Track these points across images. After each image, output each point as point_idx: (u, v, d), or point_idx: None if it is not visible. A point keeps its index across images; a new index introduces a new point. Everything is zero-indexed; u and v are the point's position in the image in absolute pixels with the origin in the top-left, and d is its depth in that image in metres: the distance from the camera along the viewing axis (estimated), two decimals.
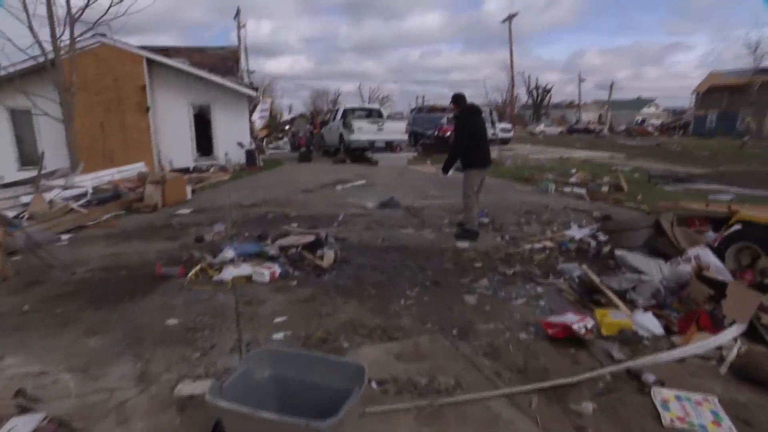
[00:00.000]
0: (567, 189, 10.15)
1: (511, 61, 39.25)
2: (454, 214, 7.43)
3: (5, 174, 11.49)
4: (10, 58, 11.13)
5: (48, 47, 10.54)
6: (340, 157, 17.10)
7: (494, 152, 6.42)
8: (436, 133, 20.67)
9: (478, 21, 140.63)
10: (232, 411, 1.80)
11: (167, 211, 8.08)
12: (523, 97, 62.55)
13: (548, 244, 5.70)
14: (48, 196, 7.83)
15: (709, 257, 3.92)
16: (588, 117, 60.23)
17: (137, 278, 4.68)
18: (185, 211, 8.09)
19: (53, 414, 2.48)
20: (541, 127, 47.83)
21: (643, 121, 54.11)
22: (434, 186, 10.85)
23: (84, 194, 8.34)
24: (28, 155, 12.87)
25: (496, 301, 4.05)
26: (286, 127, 29.70)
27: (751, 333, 3.22)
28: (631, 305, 3.65)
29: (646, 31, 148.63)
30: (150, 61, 13.52)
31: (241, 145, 15.00)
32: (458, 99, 6.12)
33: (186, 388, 2.71)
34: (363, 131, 16.52)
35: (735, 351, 2.94)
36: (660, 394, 2.58)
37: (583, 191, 9.75)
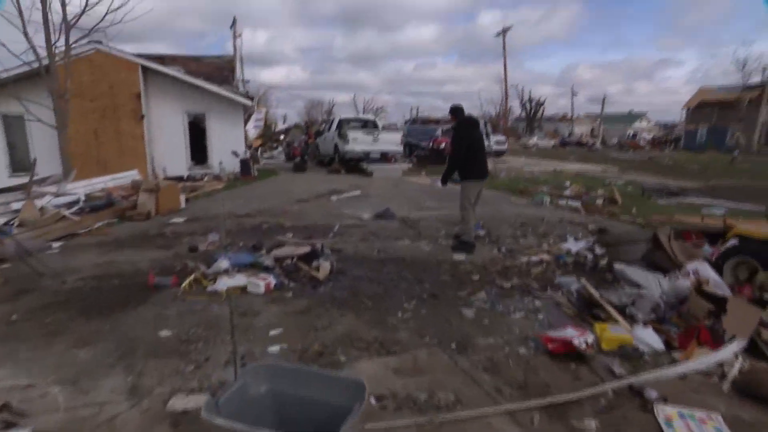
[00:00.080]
0: (562, 202, 10.17)
1: (505, 74, 39.67)
2: (450, 225, 7.40)
3: None
4: (3, 64, 11.06)
5: (42, 53, 10.46)
6: (334, 167, 17.08)
7: (489, 164, 6.42)
8: (430, 144, 20.73)
9: (473, 34, 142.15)
10: (229, 429, 1.74)
11: (161, 220, 8.00)
12: (516, 109, 63.17)
13: (545, 257, 5.67)
14: (39, 203, 7.72)
15: (708, 272, 3.91)
16: (580, 130, 60.83)
17: (130, 288, 4.60)
18: (179, 219, 8.01)
19: (40, 429, 2.40)
20: (534, 139, 48.17)
21: (635, 134, 54.68)
22: (429, 197, 10.82)
23: (76, 201, 8.24)
24: (20, 161, 12.73)
25: (495, 315, 4.01)
26: (281, 137, 29.69)
27: (752, 348, 3.20)
28: (631, 320, 3.62)
29: (637, 46, 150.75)
30: (145, 69, 13.48)
31: (235, 154, 14.94)
32: (456, 111, 6.12)
33: (179, 403, 2.64)
34: (358, 142, 16.52)
35: (737, 367, 2.91)
36: (663, 411, 2.54)
37: (578, 204, 9.77)
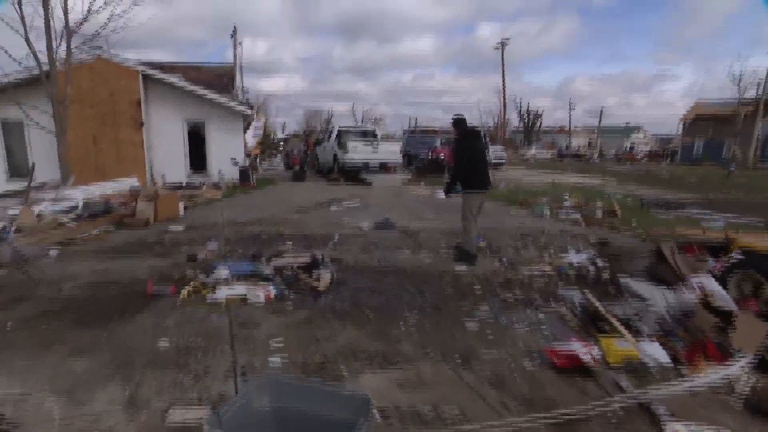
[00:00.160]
0: (562, 213, 10.16)
1: (504, 86, 39.92)
2: (450, 236, 7.36)
3: None
4: (3, 69, 11.02)
5: (43, 59, 10.45)
6: (333, 176, 17.07)
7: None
8: (429, 155, 20.76)
9: (472, 46, 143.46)
10: None
11: (159, 228, 7.93)
12: (514, 121, 63.46)
13: (547, 269, 5.64)
14: (37, 208, 7.66)
15: (713, 285, 3.88)
16: (577, 142, 61.13)
17: (127, 296, 4.53)
18: (177, 227, 7.94)
19: None
20: (532, 151, 48.37)
21: (632, 147, 54.99)
22: (429, 208, 10.80)
23: (74, 208, 8.17)
24: (18, 167, 12.66)
25: (498, 327, 3.96)
26: (281, 146, 29.70)
27: (760, 364, 3.16)
28: (636, 333, 3.58)
29: (634, 60, 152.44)
30: (146, 76, 13.48)
31: (235, 162, 14.92)
32: (459, 122, 6.10)
33: (178, 415, 2.57)
34: (358, 152, 16.53)
35: (747, 383, 2.87)
36: (672, 427, 2.49)
37: (578, 216, 9.75)
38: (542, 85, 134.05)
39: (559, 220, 9.65)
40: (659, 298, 3.78)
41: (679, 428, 2.48)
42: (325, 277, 4.99)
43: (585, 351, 3.13)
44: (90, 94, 12.48)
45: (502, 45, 38.68)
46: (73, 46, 10.84)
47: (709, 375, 2.94)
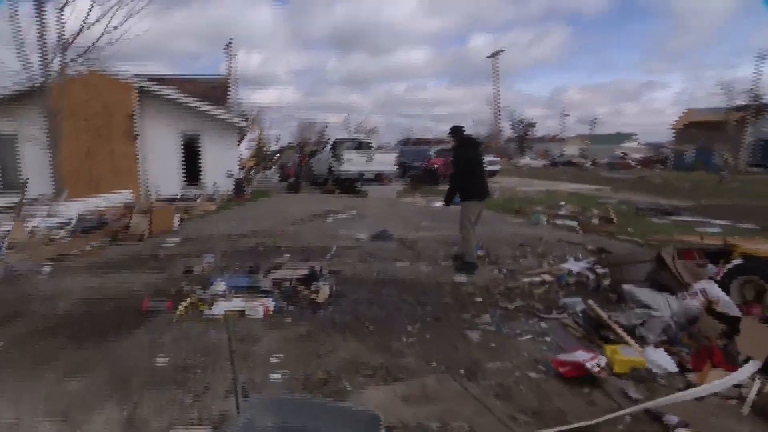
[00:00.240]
0: (559, 221, 10.16)
1: (497, 95, 40.20)
2: (448, 246, 7.33)
3: None
4: None
5: (37, 72, 10.41)
6: (328, 187, 17.04)
7: None
8: (424, 165, 20.80)
9: (464, 57, 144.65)
10: None
11: (154, 241, 7.84)
12: (506, 130, 63.85)
13: (547, 277, 5.61)
14: (30, 223, 7.56)
15: (717, 291, 3.86)
16: (570, 150, 61.50)
17: (123, 312, 4.44)
18: (173, 241, 7.86)
19: None
20: (525, 159, 48.61)
21: (625, 154, 55.35)
22: (425, 218, 10.78)
23: (68, 222, 8.08)
24: (11, 180, 12.53)
25: (501, 338, 3.91)
26: (275, 158, 29.67)
27: (766, 369, 3.12)
28: (641, 341, 3.54)
29: (624, 69, 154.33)
30: (140, 89, 13.45)
31: (230, 174, 14.86)
32: (456, 131, 6.09)
33: None
34: (353, 163, 16.53)
35: (755, 389, 2.83)
36: None
37: (574, 223, 9.76)
38: (534, 94, 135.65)
39: (555, 228, 9.65)
40: (663, 305, 3.74)
41: None
42: (323, 289, 4.92)
43: (591, 360, 3.08)
44: (84, 107, 12.41)
45: (495, 55, 39.06)
46: (67, 59, 10.81)
47: (718, 382, 2.90)
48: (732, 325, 3.35)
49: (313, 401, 2.16)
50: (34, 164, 11.79)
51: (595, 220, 10.20)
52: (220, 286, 4.82)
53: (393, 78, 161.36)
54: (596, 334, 3.76)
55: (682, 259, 4.85)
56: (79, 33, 10.65)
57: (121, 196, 10.56)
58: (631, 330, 3.62)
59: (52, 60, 10.49)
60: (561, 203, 13.34)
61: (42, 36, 10.15)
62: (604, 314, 3.76)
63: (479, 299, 4.91)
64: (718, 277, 4.35)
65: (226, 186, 14.70)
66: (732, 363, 3.13)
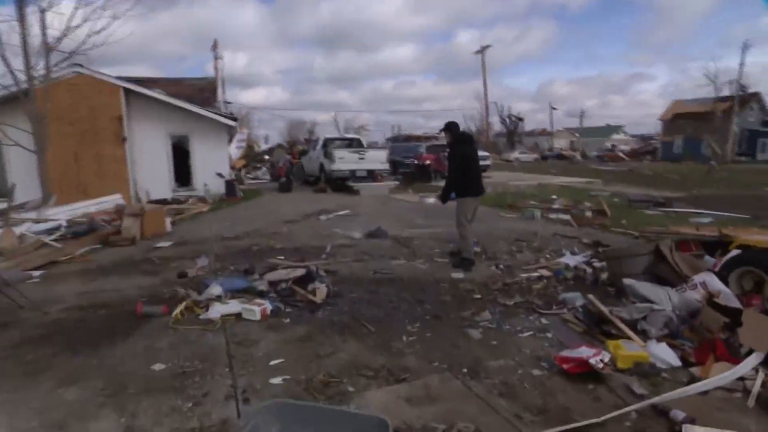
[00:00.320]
0: (553, 215, 10.16)
1: (485, 90, 40.24)
2: (444, 243, 7.30)
3: None
4: None
5: (21, 76, 10.22)
6: (320, 186, 16.95)
7: None
8: (415, 161, 20.73)
9: (450, 53, 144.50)
10: None
11: (146, 245, 7.73)
12: (496, 125, 63.87)
13: (544, 272, 5.60)
14: (18, 230, 7.41)
15: (717, 284, 3.85)
16: (559, 144, 61.71)
17: (117, 318, 4.36)
18: (165, 244, 7.75)
19: None
20: (515, 154, 48.69)
21: (613, 146, 55.71)
22: (418, 215, 10.74)
23: (57, 227, 7.94)
24: None
25: (502, 335, 3.88)
26: (266, 158, 29.48)
27: None
28: (643, 335, 3.53)
29: (610, 62, 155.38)
30: (127, 91, 13.27)
31: (220, 175, 14.72)
32: (452, 127, 6.04)
33: None
34: (344, 161, 16.46)
35: (759, 381, 2.82)
36: None
37: (568, 217, 9.77)
38: (522, 88, 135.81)
39: (550, 222, 9.66)
40: (664, 299, 3.74)
41: None
42: (320, 289, 4.87)
43: (594, 356, 3.06)
44: (70, 110, 12.22)
45: (483, 50, 39.06)
46: (51, 63, 10.62)
47: (722, 375, 2.89)
48: (733, 317, 3.34)
49: (319, 407, 2.11)
50: (21, 170, 11.59)
51: (589, 213, 10.22)
52: (216, 289, 4.75)
53: (380, 75, 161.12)
54: (597, 329, 3.74)
55: (680, 251, 4.85)
56: (63, 36, 10.47)
57: (111, 200, 10.42)
58: (632, 324, 3.61)
59: (36, 64, 10.30)
60: (553, 197, 13.37)
61: (25, 40, 9.95)
62: (605, 309, 3.75)
63: (478, 296, 4.88)
64: (717, 269, 4.35)
65: (217, 187, 14.56)
66: (735, 356, 3.13)
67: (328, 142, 17.99)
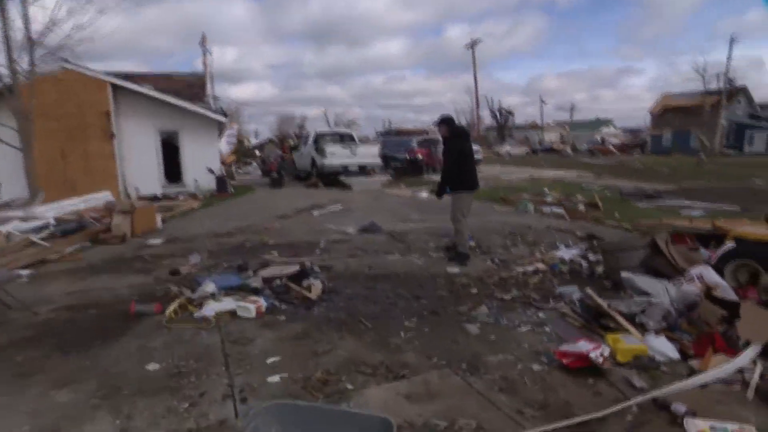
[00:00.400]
0: (546, 209, 10.18)
1: (476, 84, 40.22)
2: (439, 237, 7.28)
3: None
4: None
5: (4, 71, 10.01)
6: (312, 181, 16.86)
7: None
8: (407, 156, 20.66)
9: (440, 47, 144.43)
10: None
11: (137, 242, 7.62)
12: (486, 119, 63.88)
13: (540, 266, 5.59)
14: (5, 228, 7.27)
15: (714, 276, 3.86)
16: (549, 137, 61.90)
17: (109, 318, 4.28)
18: (156, 241, 7.65)
19: None
20: (506, 147, 48.75)
21: (603, 140, 56.01)
22: (412, 209, 10.71)
23: (45, 226, 7.80)
24: None
25: (500, 330, 3.86)
26: (256, 153, 29.26)
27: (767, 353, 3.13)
28: (641, 329, 3.52)
29: (599, 56, 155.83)
30: (115, 87, 13.07)
31: (211, 171, 14.57)
32: (448, 121, 5.98)
33: None
34: (336, 156, 16.36)
35: (758, 373, 2.83)
36: (695, 425, 2.41)
37: (561, 210, 9.79)
38: (512, 82, 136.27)
39: (543, 215, 9.67)
40: (662, 292, 3.73)
41: (702, 426, 2.40)
42: (316, 286, 4.82)
43: (594, 350, 3.05)
44: (56, 106, 12.02)
45: (473, 44, 39.00)
46: (36, 57, 10.41)
47: (722, 368, 2.89)
48: (731, 310, 3.35)
49: (320, 408, 2.07)
50: (6, 167, 11.38)
51: (582, 207, 10.25)
52: (209, 287, 4.68)
53: (371, 70, 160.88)
54: (596, 322, 3.73)
55: (675, 244, 4.87)
56: (48, 30, 10.26)
57: (100, 197, 10.26)
58: (630, 318, 3.61)
59: (20, 59, 10.08)
60: (546, 190, 13.40)
61: (6, 34, 9.73)
62: (603, 303, 3.74)
63: (474, 291, 4.86)
64: (712, 262, 4.37)
65: (208, 183, 14.43)
66: (733, 348, 3.13)
67: (319, 137, 17.86)
